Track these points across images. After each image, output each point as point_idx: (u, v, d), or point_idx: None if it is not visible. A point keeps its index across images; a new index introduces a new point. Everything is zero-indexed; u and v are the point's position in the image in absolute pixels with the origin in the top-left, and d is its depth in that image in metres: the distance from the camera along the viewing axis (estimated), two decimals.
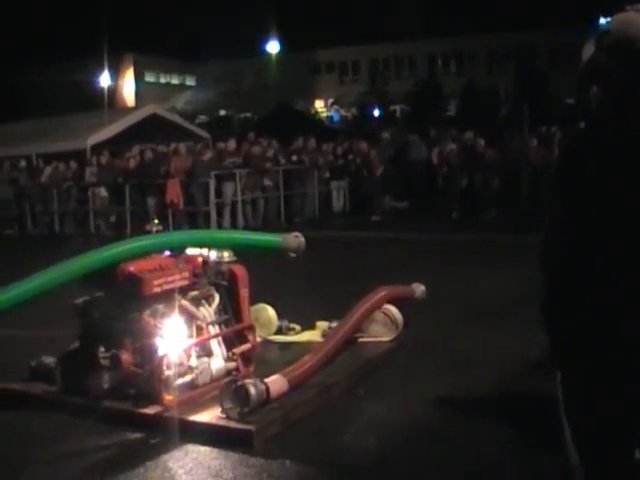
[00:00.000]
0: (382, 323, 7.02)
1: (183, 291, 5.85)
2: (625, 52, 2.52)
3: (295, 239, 7.33)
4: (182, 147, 19.63)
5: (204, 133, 28.14)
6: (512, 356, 6.39)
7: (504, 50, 58.27)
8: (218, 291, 6.18)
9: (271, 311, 7.37)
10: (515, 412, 5.28)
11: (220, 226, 18.04)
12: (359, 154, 20.71)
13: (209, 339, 5.92)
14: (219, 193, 18.56)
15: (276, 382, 5.34)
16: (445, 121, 35.20)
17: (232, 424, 5.01)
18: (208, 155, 19.17)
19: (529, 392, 5.42)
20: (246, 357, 6.06)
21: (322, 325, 7.36)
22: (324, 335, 7.02)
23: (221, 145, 20.56)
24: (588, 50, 2.65)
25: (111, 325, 5.61)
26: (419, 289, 7.81)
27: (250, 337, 6.16)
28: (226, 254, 6.35)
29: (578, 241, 2.41)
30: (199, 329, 5.89)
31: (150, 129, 23.54)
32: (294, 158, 20.49)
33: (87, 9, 58.27)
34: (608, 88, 2.58)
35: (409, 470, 4.54)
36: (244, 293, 6.28)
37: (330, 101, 65.05)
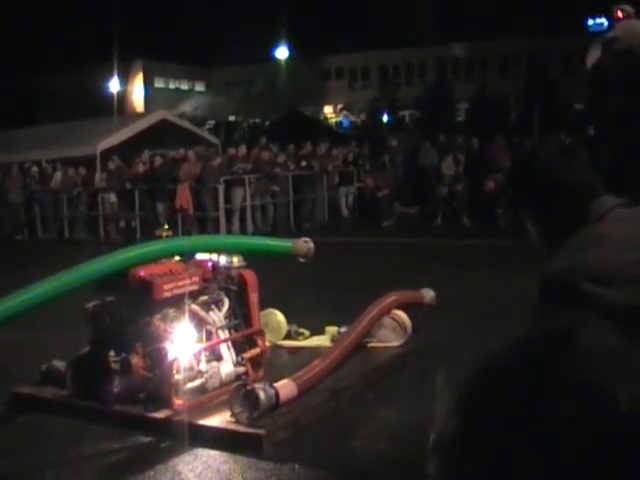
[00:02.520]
0: (391, 328, 7.02)
1: (193, 296, 5.87)
2: (629, 55, 2.55)
3: (304, 244, 7.35)
4: (191, 153, 19.67)
5: (214, 139, 28.19)
6: None
7: (515, 56, 58.31)
8: (228, 296, 6.19)
9: (280, 316, 7.39)
10: None
11: (229, 231, 18.08)
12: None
13: (219, 343, 5.94)
14: (228, 199, 18.61)
15: (285, 387, 5.36)
16: (455, 127, 35.18)
17: (242, 428, 5.02)
18: (217, 161, 19.23)
19: None
20: (255, 362, 6.07)
21: (331, 330, 7.36)
22: (333, 340, 7.03)
23: (231, 151, 20.61)
24: (592, 56, 2.67)
25: (122, 329, 5.63)
26: (428, 294, 7.81)
27: (259, 342, 6.17)
28: (236, 259, 6.37)
29: None
30: (209, 333, 5.91)
31: (160, 135, 23.58)
32: (303, 164, 20.52)
33: (96, 16, 58.57)
34: (619, 92, 2.60)
35: (419, 475, 4.53)
36: (254, 298, 6.30)
37: (339, 107, 65.10)
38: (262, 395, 5.07)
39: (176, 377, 5.35)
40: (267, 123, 49.41)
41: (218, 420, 5.20)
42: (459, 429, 0.83)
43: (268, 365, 6.25)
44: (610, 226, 2.04)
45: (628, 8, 2.79)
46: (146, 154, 20.72)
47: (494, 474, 0.79)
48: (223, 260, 6.30)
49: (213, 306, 6.06)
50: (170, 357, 5.38)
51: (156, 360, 5.44)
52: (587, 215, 2.09)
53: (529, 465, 0.77)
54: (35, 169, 22.76)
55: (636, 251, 1.98)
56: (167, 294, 5.62)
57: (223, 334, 6.03)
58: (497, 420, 0.80)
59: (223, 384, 5.69)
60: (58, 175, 21.96)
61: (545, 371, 0.79)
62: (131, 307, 5.68)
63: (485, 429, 0.81)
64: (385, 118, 52.76)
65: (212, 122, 52.05)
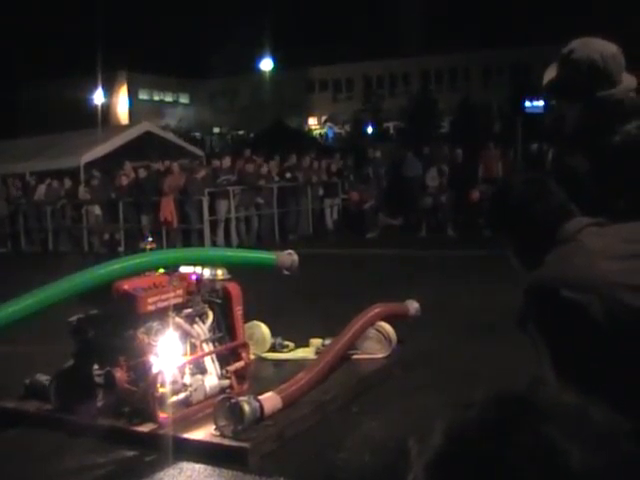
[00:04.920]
0: (376, 340, 7.03)
1: (177, 309, 5.86)
2: (589, 63, 2.69)
3: (288, 256, 7.34)
4: (175, 166, 19.62)
5: (198, 151, 28.16)
6: (508, 371, 6.36)
7: (498, 66, 58.61)
8: (212, 309, 6.19)
9: (265, 328, 7.38)
10: None
11: (214, 244, 18.04)
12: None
13: (203, 357, 5.93)
14: (213, 211, 18.58)
15: (270, 399, 5.35)
16: (439, 138, 35.28)
17: (226, 441, 5.01)
18: (202, 173, 19.18)
19: None
20: (240, 374, 6.07)
21: (316, 342, 7.36)
22: (318, 352, 7.03)
23: (215, 162, 20.59)
24: (550, 73, 2.81)
25: (105, 343, 5.62)
26: (413, 306, 7.82)
27: (244, 354, 6.17)
28: (220, 272, 6.36)
29: None
30: (193, 347, 5.90)
31: (144, 147, 23.51)
32: (288, 175, 20.52)
33: (80, 27, 58.54)
34: (575, 101, 2.72)
35: None
36: (238, 311, 6.29)
37: (324, 118, 65.18)
38: (247, 408, 5.06)
39: (160, 390, 5.34)
40: (251, 135, 49.48)
41: (203, 433, 5.19)
42: None
43: (253, 378, 6.25)
44: (586, 240, 2.20)
45: None
46: (128, 165, 20.64)
47: None
48: (207, 273, 6.29)
49: (197, 319, 6.06)
50: (154, 370, 5.36)
51: (140, 373, 5.42)
52: (562, 235, 2.24)
53: None
54: (18, 181, 22.68)
55: (608, 261, 2.12)
56: (151, 307, 5.60)
57: (207, 347, 6.03)
58: None
59: (207, 397, 5.69)
60: (42, 187, 21.87)
61: (503, 436, 0.83)
62: (115, 320, 5.66)
63: None
64: (370, 129, 52.86)
65: (197, 134, 52.04)
